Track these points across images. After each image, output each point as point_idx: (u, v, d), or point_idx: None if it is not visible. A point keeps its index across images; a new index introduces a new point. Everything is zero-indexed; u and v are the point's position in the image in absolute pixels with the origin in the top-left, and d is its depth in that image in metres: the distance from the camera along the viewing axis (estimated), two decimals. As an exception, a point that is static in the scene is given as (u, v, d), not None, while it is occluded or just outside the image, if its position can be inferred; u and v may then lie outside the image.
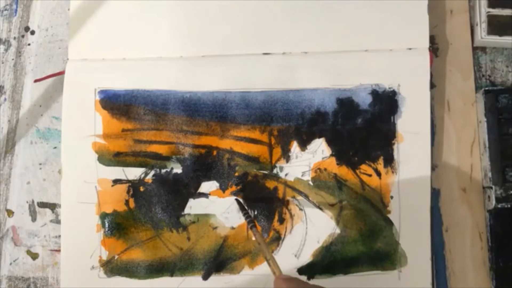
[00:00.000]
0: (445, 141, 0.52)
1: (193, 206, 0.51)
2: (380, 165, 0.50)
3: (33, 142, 0.55)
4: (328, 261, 0.49)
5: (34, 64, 0.56)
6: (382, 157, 0.50)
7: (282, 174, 0.51)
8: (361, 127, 0.51)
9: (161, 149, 0.52)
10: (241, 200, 0.50)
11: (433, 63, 0.52)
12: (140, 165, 0.52)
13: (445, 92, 0.53)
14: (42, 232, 0.53)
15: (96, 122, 0.52)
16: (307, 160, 0.51)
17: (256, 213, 0.51)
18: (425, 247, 0.49)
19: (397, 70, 0.51)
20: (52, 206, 0.53)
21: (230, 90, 0.52)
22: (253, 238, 0.49)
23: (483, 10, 0.52)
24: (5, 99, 0.56)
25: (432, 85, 0.52)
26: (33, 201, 0.54)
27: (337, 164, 0.51)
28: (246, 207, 0.50)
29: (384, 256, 0.49)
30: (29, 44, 0.57)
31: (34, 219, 0.53)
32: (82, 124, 0.52)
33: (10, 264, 0.53)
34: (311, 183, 0.51)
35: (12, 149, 0.55)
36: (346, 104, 0.51)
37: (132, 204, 0.51)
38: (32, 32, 0.57)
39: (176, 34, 0.53)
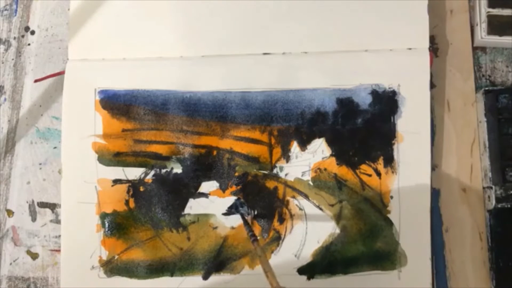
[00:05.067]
0: (445, 141, 0.52)
1: (193, 206, 0.51)
2: (380, 165, 0.50)
3: (33, 142, 0.55)
4: (328, 261, 0.49)
5: (34, 64, 0.56)
6: (382, 157, 0.50)
7: (282, 174, 0.51)
8: (361, 127, 0.51)
9: (161, 149, 0.52)
10: (245, 215, 0.50)
11: (433, 63, 0.52)
12: (140, 165, 0.52)
13: (445, 92, 0.53)
14: (42, 232, 0.53)
15: (96, 122, 0.52)
16: (307, 160, 0.51)
17: (256, 213, 0.51)
18: (425, 247, 0.49)
19: (397, 70, 0.51)
20: (52, 206, 0.53)
21: (230, 90, 0.52)
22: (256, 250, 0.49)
23: (483, 10, 0.52)
24: (5, 99, 0.56)
25: (432, 85, 0.52)
26: (33, 201, 0.54)
27: (337, 164, 0.51)
28: (249, 223, 0.50)
29: (384, 256, 0.49)
30: (29, 44, 0.57)
31: (34, 219, 0.53)
32: (82, 124, 0.52)
33: (10, 264, 0.53)
34: (311, 183, 0.51)
35: (12, 149, 0.55)
36: (346, 104, 0.51)
37: (132, 204, 0.51)
38: (32, 32, 0.57)
39: (176, 34, 0.53)
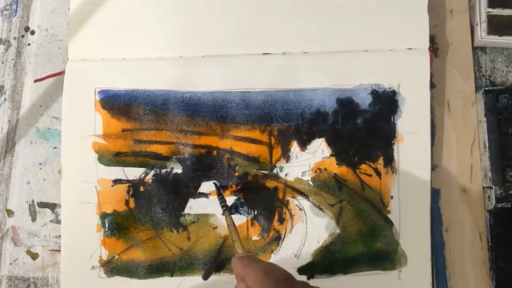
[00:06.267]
0: (445, 141, 0.52)
1: (193, 206, 0.51)
2: (380, 165, 0.50)
3: (33, 142, 0.55)
4: (328, 261, 0.49)
5: (34, 64, 0.56)
6: (382, 157, 0.50)
7: (282, 174, 0.51)
8: (361, 127, 0.51)
9: (161, 149, 0.52)
10: (218, 184, 0.51)
11: (433, 63, 0.52)
12: (140, 165, 0.52)
13: (445, 92, 0.53)
14: (42, 232, 0.53)
15: (96, 122, 0.52)
16: (307, 160, 0.51)
17: (256, 213, 0.51)
18: (425, 247, 0.49)
19: (397, 70, 0.51)
20: (52, 206, 0.53)
21: (230, 90, 0.52)
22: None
23: (483, 10, 0.52)
24: (5, 99, 0.56)
25: (432, 85, 0.52)
26: (33, 201, 0.54)
27: (337, 164, 0.51)
28: (221, 192, 0.50)
29: (384, 256, 0.49)
30: (29, 44, 0.57)
31: (34, 219, 0.53)
32: (82, 124, 0.52)
33: (10, 264, 0.53)
34: (311, 183, 0.51)
35: (12, 149, 0.55)
36: (346, 104, 0.51)
37: (132, 204, 0.51)
38: (32, 32, 0.57)
39: (176, 34, 0.53)
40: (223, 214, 0.49)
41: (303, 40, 0.52)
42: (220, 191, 0.50)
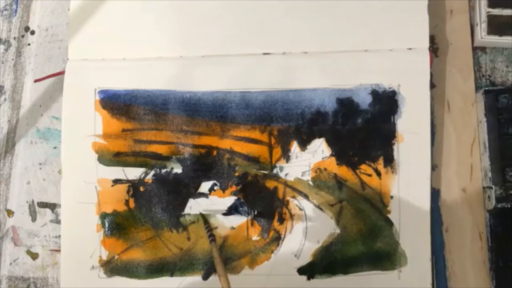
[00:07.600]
0: (445, 141, 0.52)
1: (193, 206, 0.51)
2: (380, 165, 0.50)
3: (33, 142, 0.55)
4: (328, 261, 0.49)
5: (34, 64, 0.56)
6: (382, 157, 0.50)
7: (282, 174, 0.51)
8: (361, 127, 0.51)
9: (161, 149, 0.52)
10: (204, 214, 0.51)
11: (433, 63, 0.52)
12: (140, 165, 0.52)
13: (445, 92, 0.53)
14: (42, 232, 0.53)
15: (96, 122, 0.52)
16: (307, 160, 0.51)
17: (256, 213, 0.51)
18: (425, 247, 0.49)
19: (397, 70, 0.51)
20: (52, 206, 0.53)
21: (230, 90, 0.52)
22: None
23: (483, 10, 0.52)
24: (5, 99, 0.56)
25: (432, 85, 0.52)
26: (33, 201, 0.54)
27: (337, 164, 0.51)
28: (209, 222, 0.50)
29: (384, 256, 0.49)
30: (29, 44, 0.57)
31: (34, 219, 0.53)
32: (82, 124, 0.52)
33: (10, 264, 0.53)
34: (311, 183, 0.51)
35: (12, 149, 0.55)
36: (346, 104, 0.51)
37: (132, 204, 0.51)
38: (32, 32, 0.57)
39: (176, 34, 0.53)
40: (210, 243, 0.49)
41: (303, 40, 0.52)
42: (207, 220, 0.50)
